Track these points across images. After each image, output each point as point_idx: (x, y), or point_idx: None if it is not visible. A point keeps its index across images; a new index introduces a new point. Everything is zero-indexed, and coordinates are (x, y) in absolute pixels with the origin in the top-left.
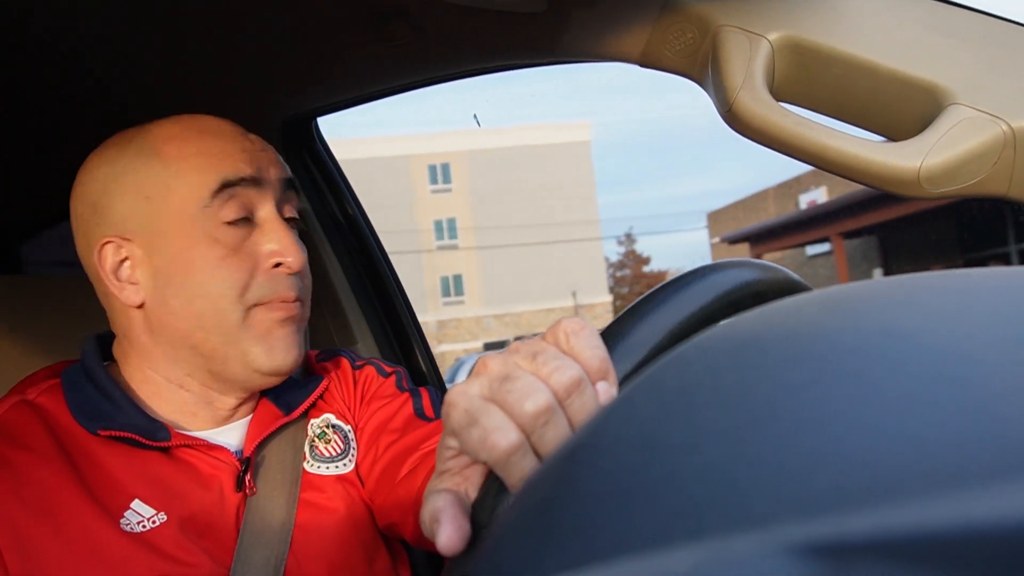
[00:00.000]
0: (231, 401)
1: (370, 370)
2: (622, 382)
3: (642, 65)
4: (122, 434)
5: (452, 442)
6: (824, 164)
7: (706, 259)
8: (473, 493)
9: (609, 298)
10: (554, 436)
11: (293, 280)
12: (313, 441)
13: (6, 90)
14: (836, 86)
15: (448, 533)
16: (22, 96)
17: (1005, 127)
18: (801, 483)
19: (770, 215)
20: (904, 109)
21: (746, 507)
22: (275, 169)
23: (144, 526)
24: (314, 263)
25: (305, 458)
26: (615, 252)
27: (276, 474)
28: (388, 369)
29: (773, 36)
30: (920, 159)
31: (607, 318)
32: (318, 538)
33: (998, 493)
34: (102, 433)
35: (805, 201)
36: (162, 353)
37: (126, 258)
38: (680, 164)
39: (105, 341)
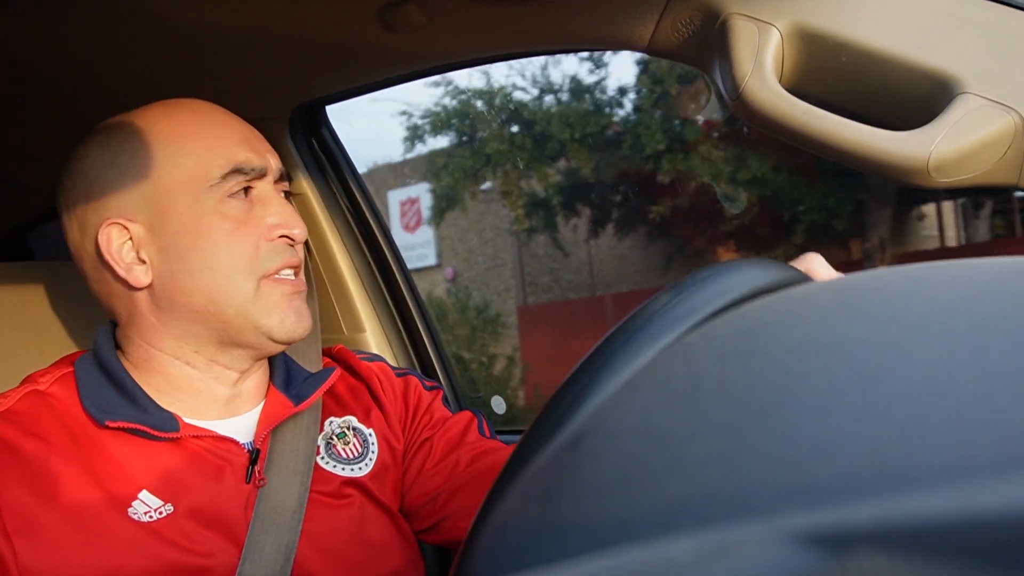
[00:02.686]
0: (233, 375)
1: (414, 380)
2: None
3: (649, 53)
4: (130, 425)
5: None
6: (833, 153)
7: None
8: None
9: None
10: None
11: (296, 251)
12: (331, 439)
13: (17, 80)
14: (845, 74)
15: None
16: (31, 86)
17: (1016, 116)
18: (805, 472)
19: None
20: (913, 98)
21: (750, 496)
22: (272, 156)
23: (151, 516)
24: (321, 249)
25: (319, 452)
26: None
27: (288, 464)
28: (428, 384)
29: (782, 24)
30: (929, 148)
31: None
32: (327, 531)
33: (1001, 484)
34: (110, 424)
35: (397, 200)
36: (169, 332)
37: (129, 239)
38: None
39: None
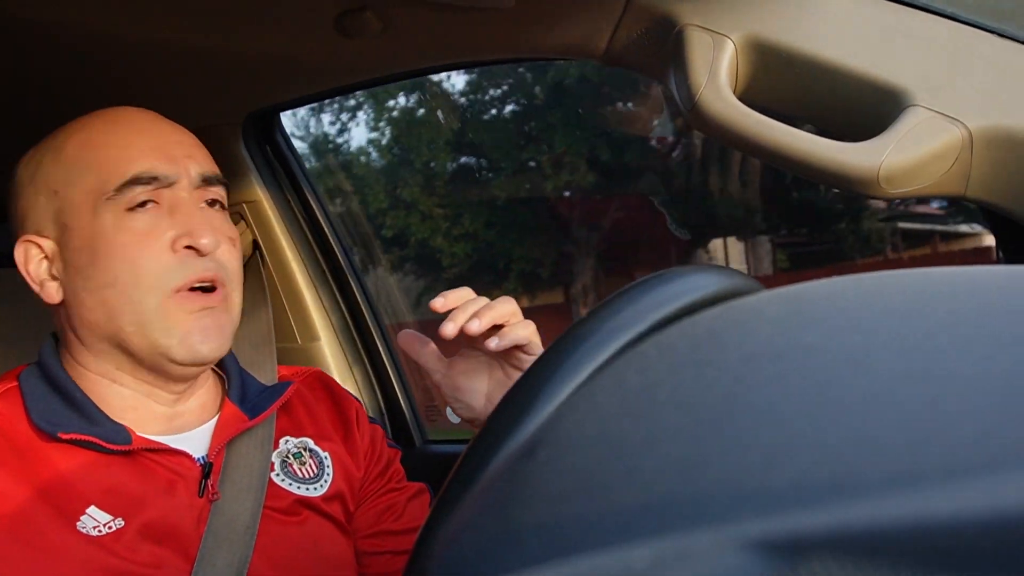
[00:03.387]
0: (166, 395)
1: (380, 432)
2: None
3: (605, 63)
4: (82, 438)
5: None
6: (785, 163)
7: None
8: None
9: None
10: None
11: (208, 263)
12: (287, 457)
13: None
14: (798, 86)
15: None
16: None
17: (963, 129)
18: (758, 480)
19: None
20: (864, 110)
21: (704, 503)
22: (193, 162)
23: (100, 531)
24: (275, 257)
25: (274, 468)
26: None
27: (242, 478)
28: (391, 443)
29: (736, 36)
30: (880, 159)
31: None
32: (281, 545)
33: (951, 491)
34: (63, 437)
35: None
36: (88, 350)
37: (45, 256)
38: None
39: None
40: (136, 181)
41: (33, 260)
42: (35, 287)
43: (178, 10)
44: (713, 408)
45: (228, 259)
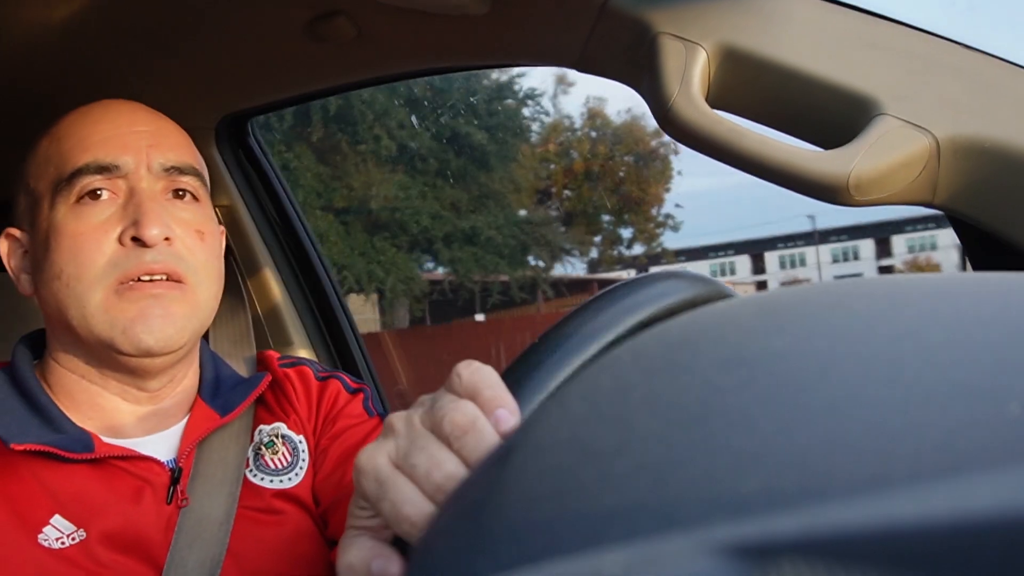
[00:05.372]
0: (137, 394)
1: (335, 384)
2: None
3: (580, 70)
4: (39, 448)
5: (364, 504)
6: (756, 171)
7: None
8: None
9: None
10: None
11: (157, 255)
12: (260, 449)
13: None
14: (769, 94)
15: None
16: None
17: (930, 138)
18: (730, 484)
19: None
20: (834, 118)
21: (676, 508)
22: (155, 151)
23: (63, 542)
24: (247, 261)
25: (248, 465)
26: None
27: (215, 477)
28: (354, 385)
29: (708, 44)
30: (849, 167)
31: None
32: (254, 550)
33: (918, 494)
34: (15, 447)
35: None
36: (59, 345)
37: (25, 250)
38: None
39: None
40: (84, 171)
41: (14, 254)
42: (14, 280)
43: (150, 14)
44: (685, 413)
45: (189, 252)
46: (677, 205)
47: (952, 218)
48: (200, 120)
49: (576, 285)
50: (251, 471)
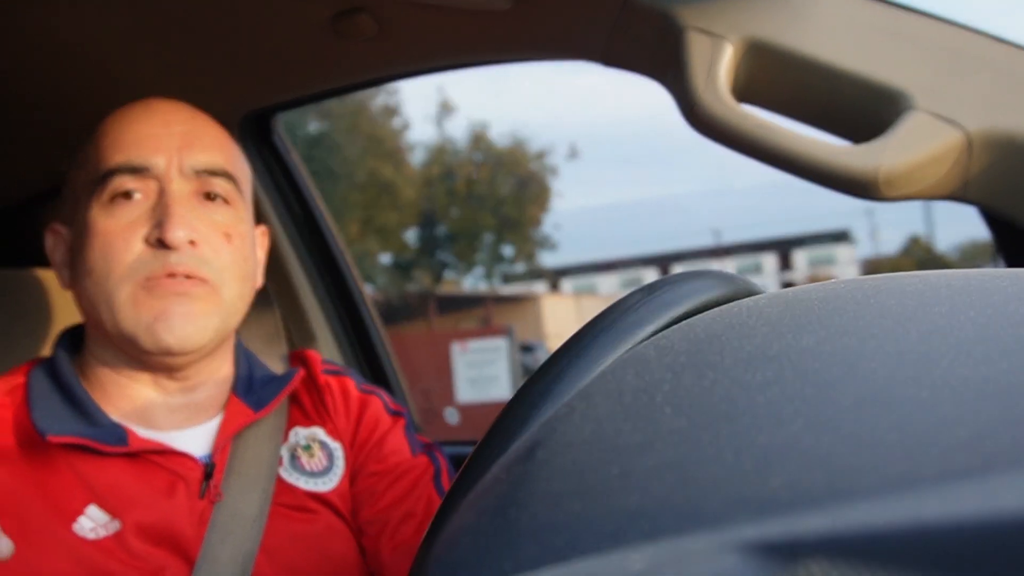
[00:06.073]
0: (172, 387)
1: (377, 403)
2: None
3: (605, 65)
4: (74, 440)
5: None
6: (784, 166)
7: None
8: None
9: None
10: None
11: (181, 257)
12: (296, 450)
13: None
14: (797, 88)
15: None
16: None
17: (961, 132)
18: (756, 483)
19: None
20: (864, 112)
21: (701, 506)
22: (187, 152)
23: (97, 533)
24: (271, 258)
25: (282, 463)
26: None
27: (249, 472)
28: (393, 407)
29: (735, 38)
30: (879, 162)
31: None
32: (287, 546)
33: (948, 493)
34: (52, 440)
35: None
36: (94, 339)
37: (67, 246)
38: None
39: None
40: (116, 171)
41: (57, 248)
42: (56, 274)
43: (173, 10)
44: (711, 411)
45: (214, 254)
46: (556, 225)
47: (984, 213)
48: (223, 116)
49: (465, 301)
50: (285, 470)
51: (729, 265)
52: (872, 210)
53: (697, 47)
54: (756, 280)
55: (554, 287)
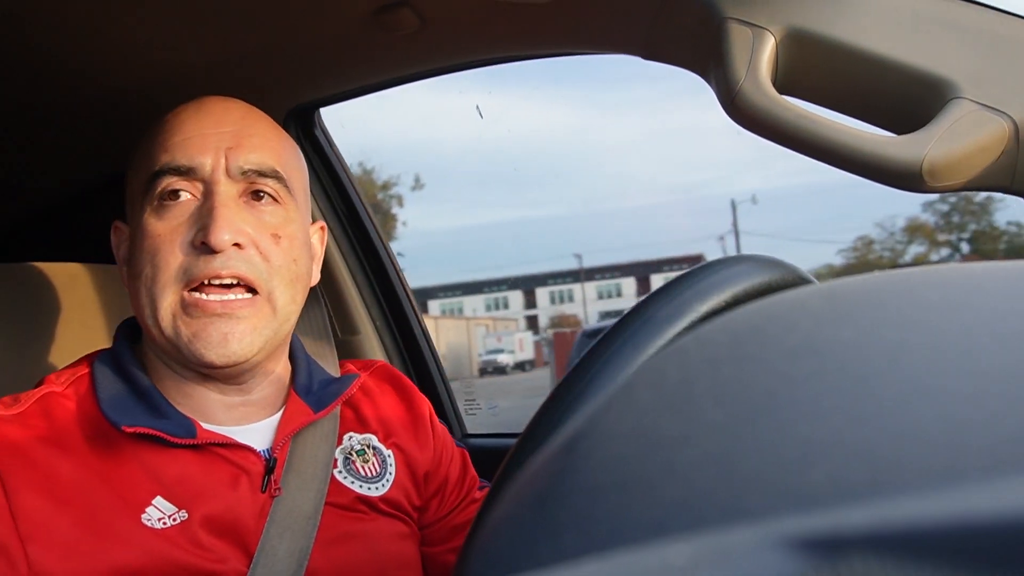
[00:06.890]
0: (228, 387)
1: (446, 432)
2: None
3: (645, 58)
4: (147, 431)
5: None
6: (826, 158)
7: None
8: None
9: None
10: None
11: (226, 260)
12: (350, 454)
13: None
14: (839, 78)
15: None
16: (29, 90)
17: (1008, 121)
18: (798, 476)
19: None
20: (907, 102)
21: (743, 499)
22: (234, 152)
23: (164, 523)
24: None
25: (336, 465)
26: None
27: (306, 470)
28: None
29: (776, 28)
30: (923, 153)
31: None
32: (341, 541)
33: (993, 487)
34: (127, 429)
35: None
36: (149, 337)
37: (126, 243)
38: None
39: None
40: (163, 172)
41: (120, 246)
42: (119, 271)
43: (219, 7)
44: (752, 403)
45: (261, 256)
46: (399, 254)
47: None
48: (269, 112)
49: None
50: (339, 472)
51: (590, 288)
52: (724, 236)
53: (738, 38)
54: (617, 303)
55: (423, 308)
